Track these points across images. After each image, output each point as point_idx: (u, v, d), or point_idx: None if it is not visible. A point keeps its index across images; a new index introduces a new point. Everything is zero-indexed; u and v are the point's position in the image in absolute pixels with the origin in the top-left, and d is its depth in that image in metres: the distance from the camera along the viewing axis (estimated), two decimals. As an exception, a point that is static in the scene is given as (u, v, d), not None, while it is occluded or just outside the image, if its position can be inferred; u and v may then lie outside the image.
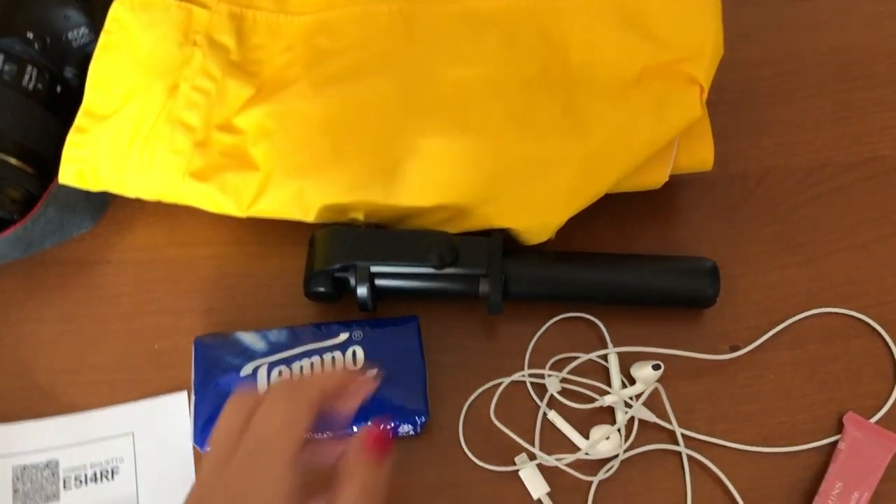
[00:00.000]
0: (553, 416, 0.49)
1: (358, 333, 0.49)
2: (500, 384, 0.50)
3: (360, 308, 0.50)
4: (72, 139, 0.48)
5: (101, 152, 0.48)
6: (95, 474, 0.48)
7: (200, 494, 0.36)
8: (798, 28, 0.61)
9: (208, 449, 0.37)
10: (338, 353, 0.49)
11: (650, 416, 0.48)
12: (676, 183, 0.54)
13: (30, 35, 0.50)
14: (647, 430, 0.49)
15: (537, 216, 0.48)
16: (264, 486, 0.34)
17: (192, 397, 0.48)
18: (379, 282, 0.49)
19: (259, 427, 0.36)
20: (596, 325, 0.51)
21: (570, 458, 0.47)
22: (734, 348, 0.51)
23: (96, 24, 0.52)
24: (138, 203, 0.53)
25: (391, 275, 0.48)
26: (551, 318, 0.51)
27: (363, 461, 0.37)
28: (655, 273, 0.49)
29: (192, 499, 0.35)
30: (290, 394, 0.37)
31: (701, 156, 0.51)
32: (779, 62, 0.60)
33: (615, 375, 0.50)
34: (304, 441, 0.36)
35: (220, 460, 0.36)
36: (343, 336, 0.49)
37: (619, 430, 0.48)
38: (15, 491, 0.47)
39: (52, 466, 0.48)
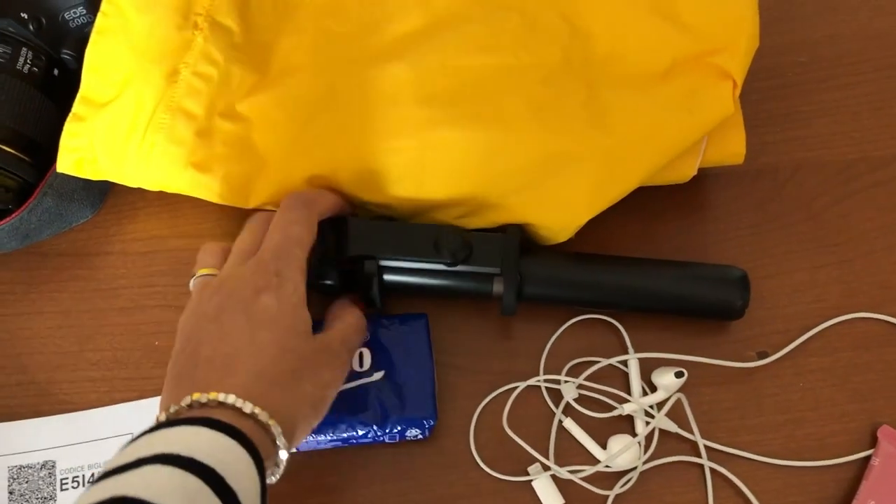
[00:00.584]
0: (569, 423, 0.46)
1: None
2: (512, 389, 0.47)
3: (368, 305, 0.47)
4: (69, 127, 0.46)
5: (99, 141, 0.46)
6: (94, 476, 0.46)
7: (225, 285, 0.41)
8: (834, 9, 0.57)
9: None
10: (344, 355, 0.46)
11: (672, 427, 0.46)
12: (702, 175, 0.50)
13: (24, 15, 0.47)
14: (667, 441, 0.46)
15: (558, 214, 0.45)
16: (283, 283, 0.40)
17: (193, 398, 0.46)
18: (387, 276, 0.46)
19: (272, 236, 0.42)
20: (616, 328, 0.49)
21: (587, 470, 0.45)
22: (762, 355, 0.48)
23: (94, 4, 0.49)
24: (139, 192, 0.51)
25: (400, 269, 0.46)
26: (568, 319, 0.49)
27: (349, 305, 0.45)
28: (681, 280, 0.47)
29: (222, 290, 0.41)
30: (297, 204, 0.43)
31: (732, 149, 0.48)
32: (813, 47, 0.56)
33: (635, 382, 0.47)
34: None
35: (240, 260, 0.42)
36: (350, 336, 0.47)
37: (634, 440, 0.45)
38: (10, 492, 0.46)
39: (48, 467, 0.47)
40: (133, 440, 0.35)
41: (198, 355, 0.39)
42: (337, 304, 0.46)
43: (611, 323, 0.49)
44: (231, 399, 0.36)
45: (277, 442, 0.37)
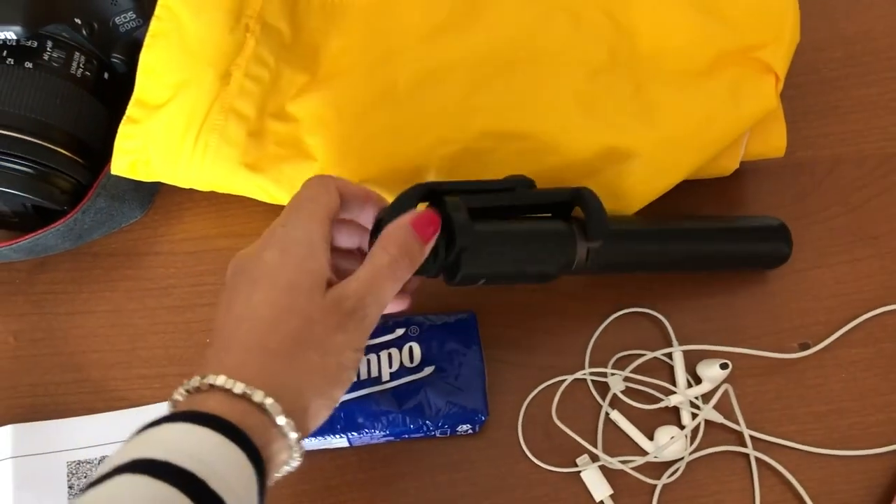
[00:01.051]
0: (616, 416, 0.47)
1: (414, 329, 0.48)
2: (559, 382, 0.48)
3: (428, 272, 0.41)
4: (124, 130, 0.47)
5: (153, 143, 0.47)
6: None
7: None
8: (868, 6, 0.58)
9: None
10: (394, 350, 0.47)
11: (717, 417, 0.47)
12: (741, 169, 0.51)
13: (77, 21, 0.48)
14: (712, 431, 0.47)
15: (608, 208, 0.46)
16: (289, 232, 0.37)
17: (247, 394, 0.47)
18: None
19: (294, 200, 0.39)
20: (658, 321, 0.49)
21: (636, 460, 0.45)
22: (804, 346, 0.49)
23: (144, 9, 0.50)
24: (187, 193, 0.52)
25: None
26: (612, 313, 0.50)
27: (406, 228, 0.38)
28: (730, 236, 0.49)
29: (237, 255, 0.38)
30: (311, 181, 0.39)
31: (773, 142, 0.49)
32: (849, 42, 0.57)
33: (680, 375, 0.48)
34: (334, 210, 0.38)
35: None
36: (399, 332, 0.48)
37: (682, 432, 0.46)
38: (70, 486, 0.47)
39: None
40: (127, 440, 0.32)
41: (211, 332, 0.36)
42: (397, 220, 0.38)
43: (653, 316, 0.49)
44: (221, 380, 0.33)
45: (278, 422, 0.33)
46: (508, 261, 0.42)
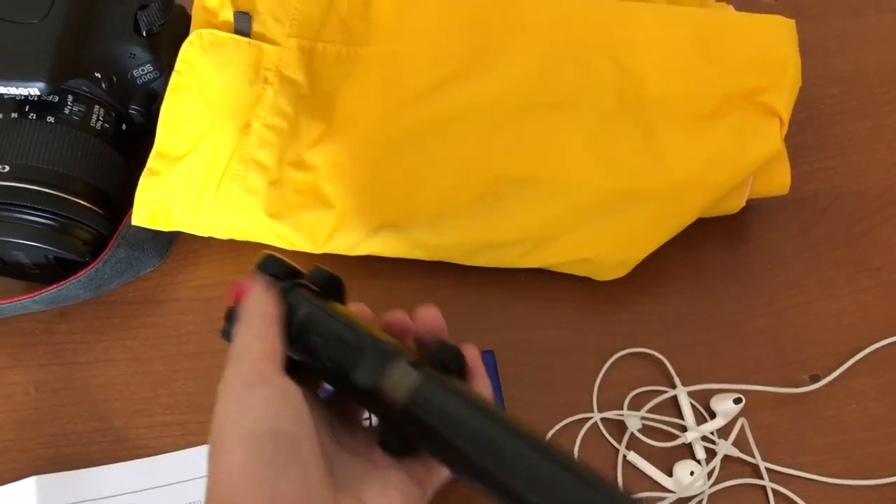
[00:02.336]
0: (633, 457, 0.48)
1: (434, 370, 0.48)
2: (577, 421, 0.49)
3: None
4: (144, 182, 0.48)
5: (174, 194, 0.48)
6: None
7: None
8: (862, 43, 0.60)
9: None
10: (415, 391, 0.48)
11: (733, 451, 0.48)
12: (745, 205, 0.53)
13: (97, 75, 0.49)
14: (729, 464, 0.48)
15: (618, 250, 0.48)
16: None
17: (270, 439, 0.48)
18: None
19: None
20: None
21: (663, 499, 0.46)
22: (814, 378, 0.50)
23: (161, 61, 0.51)
24: (203, 240, 0.53)
25: None
26: (626, 348, 0.51)
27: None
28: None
29: None
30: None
31: (778, 180, 0.51)
32: (844, 79, 0.59)
33: (688, 414, 0.49)
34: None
35: None
36: (419, 373, 0.48)
37: (703, 468, 0.47)
38: (95, 537, 0.47)
39: (131, 511, 0.48)
40: None
41: None
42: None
43: (656, 357, 0.50)
44: None
45: None
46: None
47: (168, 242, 0.54)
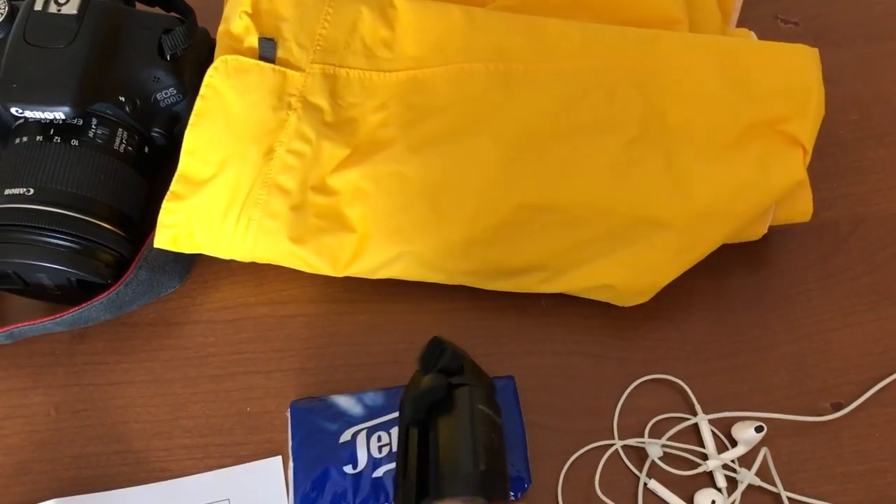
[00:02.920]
0: (654, 485, 0.48)
1: (455, 396, 0.48)
2: (598, 449, 0.49)
3: None
4: (168, 206, 0.48)
5: (196, 217, 0.48)
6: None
7: None
8: (883, 70, 0.60)
9: None
10: (435, 417, 0.48)
11: (756, 481, 0.47)
12: (767, 232, 0.53)
13: (121, 98, 0.50)
14: (750, 493, 0.48)
15: (640, 277, 0.47)
16: None
17: (290, 464, 0.48)
18: None
19: None
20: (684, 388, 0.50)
21: (681, 527, 0.46)
22: (836, 406, 0.50)
23: (184, 85, 0.51)
24: (224, 262, 0.53)
25: None
26: (644, 375, 0.51)
27: None
28: None
29: None
30: None
31: (800, 207, 0.51)
32: (865, 105, 0.59)
33: (709, 442, 0.48)
34: None
35: None
36: (439, 399, 0.48)
37: (724, 497, 0.47)
38: (114, 560, 0.47)
39: (150, 534, 0.48)
40: None
41: None
42: None
43: (677, 384, 0.50)
44: None
45: None
46: None
47: (189, 264, 0.54)
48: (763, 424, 0.47)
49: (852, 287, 0.53)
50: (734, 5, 0.57)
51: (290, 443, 0.48)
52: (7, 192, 0.48)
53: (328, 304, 0.53)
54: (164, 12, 0.53)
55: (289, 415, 0.49)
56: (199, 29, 0.53)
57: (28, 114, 0.47)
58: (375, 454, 0.47)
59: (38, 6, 0.48)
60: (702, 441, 0.49)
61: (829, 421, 0.49)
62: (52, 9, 0.48)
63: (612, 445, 0.49)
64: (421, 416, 0.41)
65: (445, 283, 0.51)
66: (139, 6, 0.54)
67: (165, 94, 0.51)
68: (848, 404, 0.50)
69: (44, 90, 0.47)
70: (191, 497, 0.49)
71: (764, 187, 0.47)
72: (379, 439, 0.47)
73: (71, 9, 0.48)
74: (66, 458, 0.50)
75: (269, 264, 0.52)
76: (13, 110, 0.47)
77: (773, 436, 0.49)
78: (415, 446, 0.41)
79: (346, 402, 0.48)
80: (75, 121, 0.49)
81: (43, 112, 0.47)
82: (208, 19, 0.54)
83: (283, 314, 0.53)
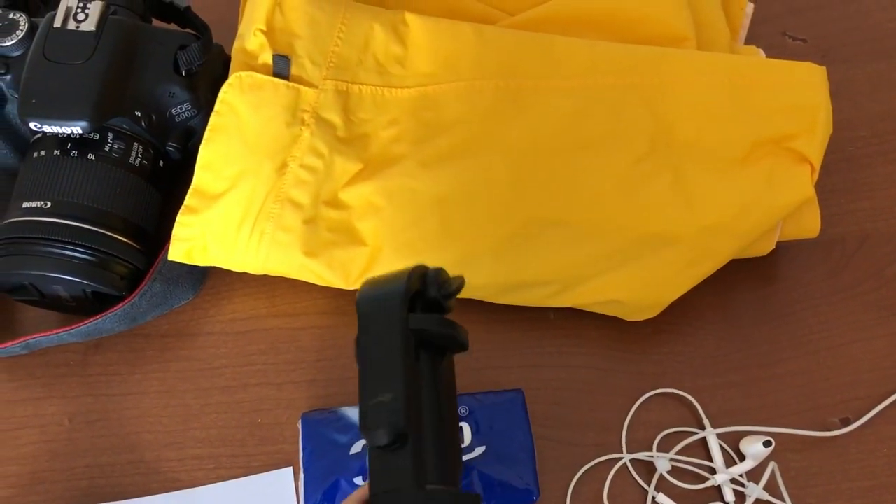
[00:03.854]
0: (662, 498, 0.48)
1: (464, 409, 0.49)
2: (606, 462, 0.49)
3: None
4: (182, 219, 0.49)
5: (210, 231, 0.49)
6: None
7: None
8: (891, 86, 0.60)
9: None
10: (445, 429, 0.48)
11: (764, 496, 0.48)
12: (775, 247, 0.53)
13: (137, 113, 0.50)
14: (759, 507, 0.48)
15: (649, 292, 0.48)
16: None
17: (301, 475, 0.48)
18: None
19: None
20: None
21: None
22: (845, 421, 0.50)
23: (199, 100, 0.52)
24: (237, 274, 0.53)
25: None
26: (653, 389, 0.51)
27: None
28: None
29: None
30: None
31: (807, 224, 0.51)
32: (872, 122, 0.59)
33: (717, 457, 0.49)
34: None
35: None
36: (449, 411, 0.49)
37: (733, 509, 0.47)
38: (126, 569, 0.48)
39: (161, 544, 0.48)
40: None
41: None
42: None
43: (686, 398, 0.51)
44: None
45: None
46: None
47: (202, 277, 0.54)
48: (771, 439, 0.47)
49: (860, 303, 0.53)
50: (742, 23, 0.58)
51: (300, 454, 0.48)
52: (25, 205, 0.49)
53: (339, 317, 0.54)
54: (179, 29, 0.54)
55: (300, 426, 0.49)
56: (213, 45, 0.54)
57: (46, 128, 0.48)
58: (385, 466, 0.47)
59: (58, 23, 0.49)
60: (710, 455, 0.49)
61: (838, 436, 0.49)
62: (71, 25, 0.49)
63: (620, 459, 0.49)
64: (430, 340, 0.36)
65: (455, 296, 0.51)
66: (155, 23, 0.55)
67: (180, 109, 0.52)
68: (856, 420, 0.50)
69: (62, 105, 0.48)
70: (202, 507, 0.49)
71: (772, 204, 0.48)
72: (389, 451, 0.47)
73: (89, 26, 0.49)
74: (79, 467, 0.50)
75: (281, 277, 0.52)
76: (32, 124, 0.48)
77: (782, 450, 0.49)
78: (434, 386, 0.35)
79: (356, 414, 0.49)
80: (92, 135, 0.50)
81: (60, 126, 0.48)
82: (223, 36, 0.55)
83: (294, 326, 0.54)
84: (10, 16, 0.50)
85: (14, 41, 0.50)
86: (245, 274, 0.53)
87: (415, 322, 0.35)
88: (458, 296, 0.51)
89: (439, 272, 0.38)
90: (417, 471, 0.33)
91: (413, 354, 0.35)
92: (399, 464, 0.33)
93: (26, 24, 0.50)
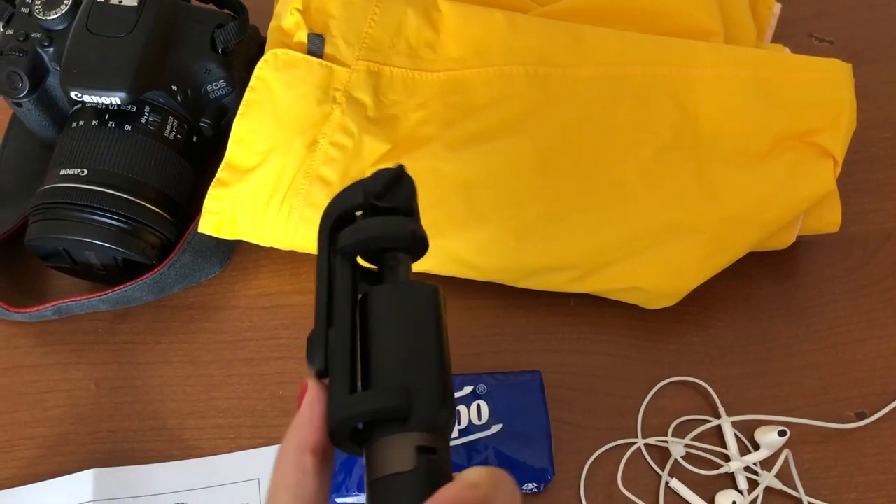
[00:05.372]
0: (676, 484, 0.48)
1: (482, 387, 0.50)
2: (620, 446, 0.50)
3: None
4: (213, 192, 0.50)
5: (241, 204, 0.50)
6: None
7: None
8: (916, 89, 0.61)
9: None
10: (462, 407, 0.49)
11: (776, 484, 0.48)
12: (795, 241, 0.53)
13: (174, 88, 0.52)
14: (771, 497, 0.48)
15: (668, 280, 0.48)
16: None
17: (320, 446, 0.49)
18: None
19: None
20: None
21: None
22: (860, 416, 0.50)
23: (233, 78, 0.54)
24: (263, 251, 0.55)
25: None
26: (669, 377, 0.51)
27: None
28: None
29: None
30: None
31: (828, 218, 0.51)
32: (897, 123, 0.60)
33: (732, 444, 0.49)
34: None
35: None
36: (467, 389, 0.50)
37: (745, 498, 0.47)
38: (146, 532, 0.49)
39: (181, 509, 0.49)
40: None
41: None
42: None
43: (702, 386, 0.51)
44: None
45: None
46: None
47: (230, 251, 0.56)
48: (786, 429, 0.48)
49: (880, 300, 0.54)
50: (769, 22, 0.58)
51: (320, 426, 0.49)
52: (62, 172, 0.50)
53: (362, 296, 0.55)
54: (217, 9, 0.55)
55: (320, 398, 0.50)
56: (249, 26, 0.55)
57: (86, 98, 0.50)
58: (403, 440, 0.48)
59: (101, -2, 0.51)
60: (724, 443, 0.49)
61: (853, 429, 0.50)
62: (114, 0, 0.51)
63: (635, 443, 0.50)
64: (358, 252, 0.32)
65: (476, 279, 0.52)
66: (194, 2, 0.56)
67: (215, 86, 0.53)
68: (872, 414, 0.50)
69: (102, 76, 0.49)
70: (221, 475, 0.50)
71: (793, 195, 0.48)
72: (407, 426, 0.48)
73: (131, 1, 0.50)
74: (103, 431, 0.52)
75: (306, 255, 0.54)
76: (72, 94, 0.50)
77: (796, 441, 0.49)
78: (349, 294, 0.31)
79: (376, 389, 0.50)
80: (129, 107, 0.51)
81: (100, 97, 0.49)
82: (259, 19, 0.57)
83: (317, 303, 0.55)
84: (56, -10, 0.52)
85: (58, 15, 0.51)
86: (271, 251, 0.54)
87: (338, 242, 0.32)
88: (480, 279, 0.53)
89: (365, 179, 0.33)
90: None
91: (331, 280, 0.32)
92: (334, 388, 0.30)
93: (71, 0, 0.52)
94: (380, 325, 0.30)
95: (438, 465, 0.28)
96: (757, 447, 0.49)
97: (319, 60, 0.50)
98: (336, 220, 0.33)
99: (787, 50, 0.55)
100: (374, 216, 0.33)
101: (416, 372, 0.29)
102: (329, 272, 0.32)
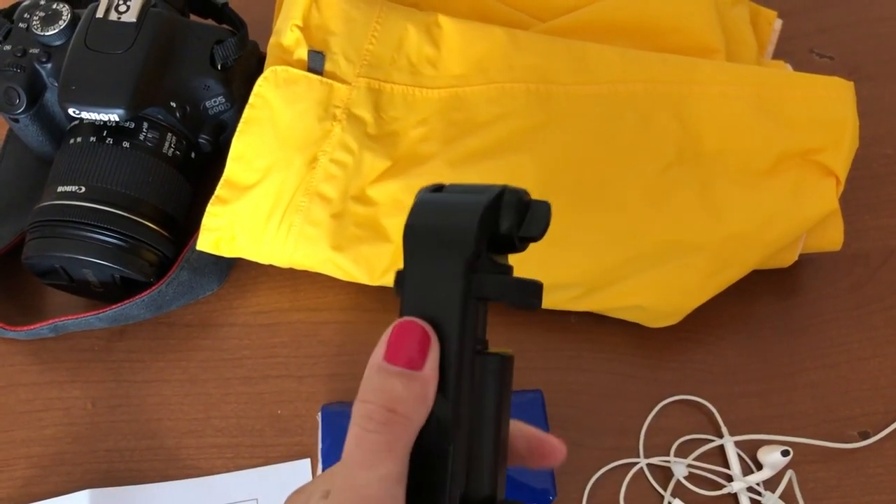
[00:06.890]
0: None
1: (483, 407, 0.49)
2: (622, 466, 0.49)
3: None
4: (212, 209, 0.49)
5: (239, 222, 0.49)
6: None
7: None
8: (918, 105, 0.61)
9: None
10: (463, 427, 0.48)
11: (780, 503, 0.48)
12: (797, 259, 0.53)
13: (172, 104, 0.51)
14: (775, 518, 0.48)
15: (671, 299, 0.48)
16: None
17: (319, 466, 0.49)
18: None
19: None
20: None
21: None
22: (863, 435, 0.50)
23: (232, 94, 0.53)
24: (262, 267, 0.54)
25: None
26: (671, 395, 0.51)
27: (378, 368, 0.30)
28: None
29: None
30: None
31: (831, 236, 0.51)
32: (898, 139, 0.59)
33: (735, 464, 0.49)
34: None
35: None
36: (468, 409, 0.49)
37: (749, 517, 0.47)
38: (143, 553, 0.48)
39: (178, 530, 0.49)
40: None
41: None
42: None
43: (704, 405, 0.51)
44: None
45: None
46: None
47: (228, 268, 0.55)
48: (789, 449, 0.47)
49: (882, 318, 0.53)
50: (770, 38, 0.58)
51: (319, 445, 0.49)
52: (59, 189, 0.50)
53: (360, 313, 0.54)
54: (216, 24, 0.55)
55: (319, 418, 0.50)
56: (249, 42, 0.55)
57: (84, 115, 0.49)
58: (403, 460, 0.47)
59: (100, 14, 0.50)
60: (727, 463, 0.49)
61: (856, 449, 0.49)
62: (113, 17, 0.50)
63: (637, 463, 0.49)
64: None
65: (477, 296, 0.51)
66: (194, 18, 0.56)
67: (214, 102, 0.53)
68: (875, 434, 0.50)
69: (100, 92, 0.49)
70: (219, 495, 0.50)
71: (796, 215, 0.48)
72: (407, 446, 0.48)
73: (130, 17, 0.50)
74: (100, 451, 0.51)
75: (304, 272, 0.53)
76: (70, 110, 0.49)
77: (799, 461, 0.49)
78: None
79: (375, 409, 0.49)
80: (128, 124, 0.51)
81: (98, 113, 0.49)
82: (258, 34, 0.56)
83: (316, 321, 0.54)
84: (54, 6, 0.52)
85: (57, 31, 0.51)
86: (269, 268, 0.54)
87: (478, 289, 0.29)
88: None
89: (520, 197, 0.30)
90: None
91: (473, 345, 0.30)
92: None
93: (69, 15, 0.51)
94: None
95: None
96: (760, 467, 0.49)
97: (320, 77, 0.50)
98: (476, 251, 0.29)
99: (789, 67, 0.55)
100: (506, 248, 0.31)
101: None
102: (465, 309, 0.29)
